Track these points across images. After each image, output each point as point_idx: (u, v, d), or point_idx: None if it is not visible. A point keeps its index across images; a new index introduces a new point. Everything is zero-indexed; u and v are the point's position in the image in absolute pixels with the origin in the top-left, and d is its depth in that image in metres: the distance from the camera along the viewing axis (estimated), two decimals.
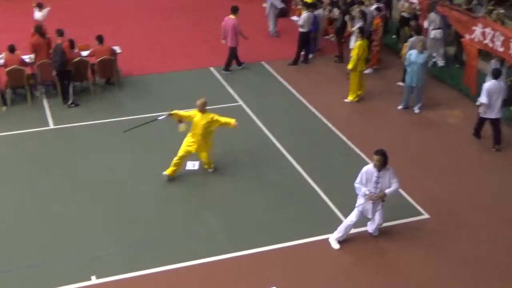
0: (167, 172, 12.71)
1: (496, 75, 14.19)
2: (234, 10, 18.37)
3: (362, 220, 11.01)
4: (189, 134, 12.68)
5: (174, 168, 12.72)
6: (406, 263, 10.61)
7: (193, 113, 12.55)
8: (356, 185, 10.57)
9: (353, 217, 10.76)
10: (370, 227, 11.11)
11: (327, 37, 21.21)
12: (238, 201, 12.27)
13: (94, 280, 10.08)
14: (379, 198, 10.46)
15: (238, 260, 10.64)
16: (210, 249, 10.84)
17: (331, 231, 11.09)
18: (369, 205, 10.66)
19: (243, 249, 10.85)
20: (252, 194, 12.49)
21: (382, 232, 11.25)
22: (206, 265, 10.50)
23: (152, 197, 12.37)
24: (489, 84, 14.11)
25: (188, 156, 12.79)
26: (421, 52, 15.49)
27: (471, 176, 13.27)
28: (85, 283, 10.04)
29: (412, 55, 15.59)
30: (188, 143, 12.65)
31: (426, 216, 11.84)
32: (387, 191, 10.41)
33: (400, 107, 16.16)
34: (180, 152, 12.65)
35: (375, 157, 10.33)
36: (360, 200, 10.67)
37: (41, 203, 12.13)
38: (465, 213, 12.00)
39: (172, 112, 12.58)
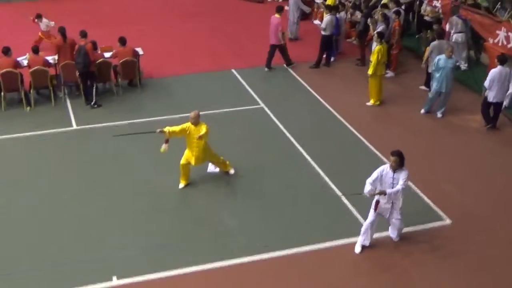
0: (182, 182, 12.71)
1: (502, 61, 14.72)
2: (279, 10, 18.78)
3: (386, 225, 10.97)
4: (187, 148, 12.45)
5: (184, 176, 12.68)
6: (425, 269, 10.54)
7: (186, 126, 12.16)
8: (368, 181, 10.46)
9: (370, 217, 10.73)
10: (392, 233, 11.07)
11: (349, 40, 21.17)
12: (259, 203, 12.27)
13: (115, 281, 10.14)
14: (380, 194, 10.34)
15: (257, 263, 10.64)
16: (230, 251, 10.85)
17: (351, 235, 11.07)
18: (387, 205, 10.60)
19: (262, 253, 10.84)
20: (272, 196, 12.49)
21: (404, 237, 11.18)
22: (225, 268, 10.51)
23: (173, 198, 12.42)
24: (494, 69, 14.76)
25: (189, 165, 12.61)
26: (449, 57, 15.38)
27: (493, 181, 13.15)
28: (106, 283, 10.10)
29: (440, 60, 15.41)
30: (187, 156, 12.45)
31: (447, 221, 11.77)
32: (388, 190, 10.29)
33: (422, 111, 16.07)
34: (182, 161, 12.48)
35: (392, 158, 10.27)
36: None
37: (63, 203, 12.23)
38: (487, 218, 11.89)
39: (163, 129, 12.13)
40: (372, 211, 10.70)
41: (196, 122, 12.11)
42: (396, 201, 10.55)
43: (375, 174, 10.41)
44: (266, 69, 18.94)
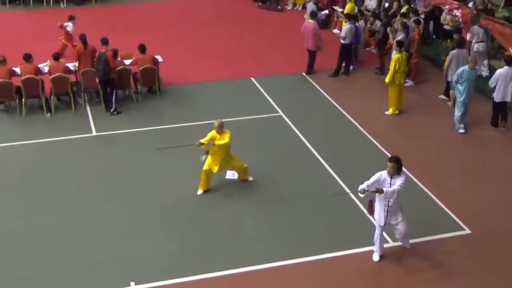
0: (200, 188, 12.76)
1: (508, 62, 15.25)
2: (313, 15, 19.28)
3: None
4: (210, 155, 12.52)
5: (204, 182, 12.72)
6: (444, 281, 10.48)
7: (213, 135, 12.29)
8: (365, 183, 10.34)
9: (376, 229, 10.72)
10: (400, 240, 10.96)
11: (368, 49, 21.15)
12: (276, 210, 12.27)
13: (133, 286, 10.17)
14: (377, 192, 10.24)
15: (275, 270, 10.62)
16: (247, 259, 10.85)
17: (368, 243, 11.03)
18: (382, 214, 10.48)
19: (280, 260, 10.83)
20: (290, 203, 12.48)
21: (422, 247, 11.15)
22: (243, 275, 10.51)
23: (190, 205, 12.44)
24: (500, 69, 15.34)
25: (212, 173, 12.67)
26: (473, 68, 15.27)
27: None
28: None
29: (464, 72, 15.19)
30: (210, 163, 12.52)
31: (467, 231, 11.69)
32: (385, 189, 10.17)
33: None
34: (205, 167, 12.56)
35: (389, 164, 10.18)
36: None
37: (83, 209, 12.31)
38: (507, 228, 11.81)
39: (202, 141, 12.24)
40: (376, 225, 10.68)
41: (220, 130, 12.26)
42: (394, 209, 10.45)
43: (373, 178, 10.33)
44: (306, 75, 19.17)
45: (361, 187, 10.30)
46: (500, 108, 15.70)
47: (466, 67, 15.28)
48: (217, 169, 12.49)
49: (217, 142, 12.17)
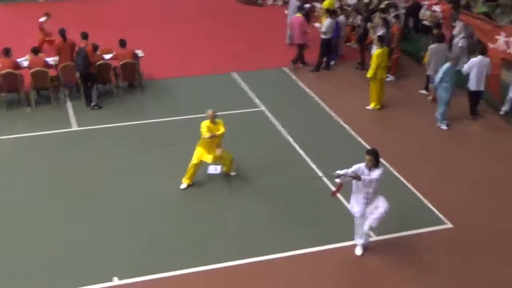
0: (184, 181, 12.73)
1: (482, 51, 15.71)
2: (300, 9, 19.90)
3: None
4: (199, 143, 12.57)
5: (191, 176, 12.71)
6: (426, 274, 10.57)
7: (207, 125, 12.32)
8: (345, 170, 10.38)
9: (355, 221, 10.80)
10: (372, 216, 10.52)
11: (348, 44, 21.20)
12: (258, 206, 12.27)
13: (116, 281, 10.12)
14: (355, 178, 10.23)
15: (258, 265, 10.63)
16: (230, 254, 10.84)
17: (350, 238, 11.07)
18: (361, 205, 10.51)
19: (262, 255, 10.84)
20: (272, 199, 12.49)
21: (403, 241, 11.22)
22: (225, 270, 10.50)
23: (172, 200, 12.41)
24: (474, 58, 15.78)
25: (201, 164, 12.70)
26: (454, 65, 15.38)
27: (493, 185, 13.17)
28: (107, 284, 10.08)
29: (448, 69, 15.17)
30: (200, 154, 12.55)
31: (449, 225, 11.77)
32: (362, 176, 10.20)
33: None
34: (194, 160, 12.59)
35: (367, 157, 10.25)
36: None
37: (63, 204, 12.21)
38: (489, 223, 11.91)
39: (207, 135, 12.25)
40: (355, 217, 10.71)
41: (213, 120, 12.35)
42: (372, 196, 10.46)
43: (354, 167, 10.36)
44: (301, 65, 19.51)
45: (338, 172, 10.33)
46: (476, 97, 15.99)
47: (448, 64, 15.31)
48: (211, 159, 12.52)
49: (218, 133, 12.30)
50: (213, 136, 12.25)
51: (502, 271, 10.56)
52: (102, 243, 11.06)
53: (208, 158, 12.53)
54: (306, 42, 19.40)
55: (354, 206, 10.67)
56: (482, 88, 15.82)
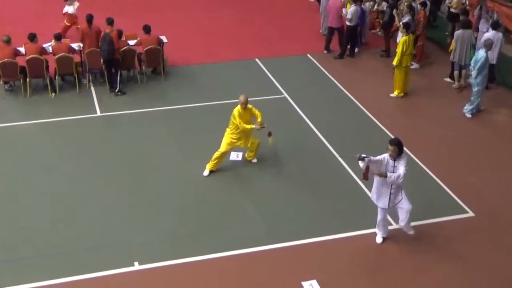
0: (208, 167, 12.76)
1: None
2: None
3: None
4: (230, 131, 12.59)
5: (215, 163, 12.75)
6: (446, 263, 10.51)
7: (239, 112, 12.31)
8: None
9: (379, 215, 10.72)
10: (401, 221, 10.65)
11: (373, 31, 21.04)
12: (280, 192, 12.29)
13: (136, 266, 10.22)
14: (381, 176, 10.19)
15: (277, 252, 10.66)
16: (250, 240, 10.88)
17: (372, 225, 11.04)
18: (386, 197, 10.44)
19: (282, 241, 10.86)
20: (294, 186, 12.50)
21: (424, 229, 11.16)
22: (246, 256, 10.55)
23: (195, 186, 12.46)
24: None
25: (229, 151, 12.79)
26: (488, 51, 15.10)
27: None
28: (127, 268, 10.18)
29: (484, 59, 14.81)
30: (230, 141, 12.58)
31: (470, 214, 11.69)
32: (389, 173, 10.12)
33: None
34: (222, 148, 12.63)
35: (390, 147, 10.09)
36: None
37: (87, 189, 12.34)
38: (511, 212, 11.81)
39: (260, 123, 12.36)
40: (379, 209, 10.66)
41: (245, 106, 12.33)
42: (397, 189, 10.39)
43: (378, 157, 10.23)
44: (325, 51, 19.45)
45: (362, 155, 10.12)
46: (491, 72, 16.01)
47: (483, 53, 14.88)
48: (244, 144, 12.64)
49: (259, 120, 12.34)
50: (262, 127, 12.31)
51: None
52: (124, 228, 11.17)
53: (241, 143, 12.58)
54: (343, 26, 19.20)
55: (378, 199, 10.59)
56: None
